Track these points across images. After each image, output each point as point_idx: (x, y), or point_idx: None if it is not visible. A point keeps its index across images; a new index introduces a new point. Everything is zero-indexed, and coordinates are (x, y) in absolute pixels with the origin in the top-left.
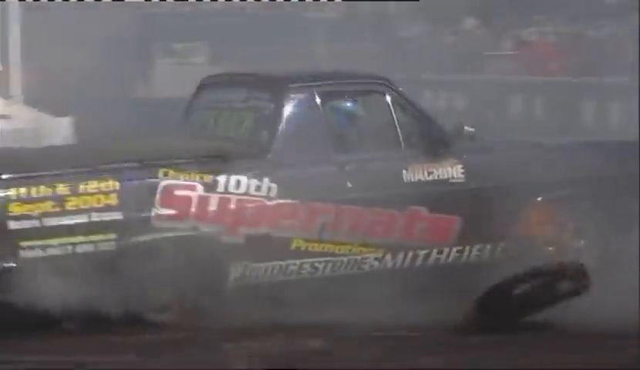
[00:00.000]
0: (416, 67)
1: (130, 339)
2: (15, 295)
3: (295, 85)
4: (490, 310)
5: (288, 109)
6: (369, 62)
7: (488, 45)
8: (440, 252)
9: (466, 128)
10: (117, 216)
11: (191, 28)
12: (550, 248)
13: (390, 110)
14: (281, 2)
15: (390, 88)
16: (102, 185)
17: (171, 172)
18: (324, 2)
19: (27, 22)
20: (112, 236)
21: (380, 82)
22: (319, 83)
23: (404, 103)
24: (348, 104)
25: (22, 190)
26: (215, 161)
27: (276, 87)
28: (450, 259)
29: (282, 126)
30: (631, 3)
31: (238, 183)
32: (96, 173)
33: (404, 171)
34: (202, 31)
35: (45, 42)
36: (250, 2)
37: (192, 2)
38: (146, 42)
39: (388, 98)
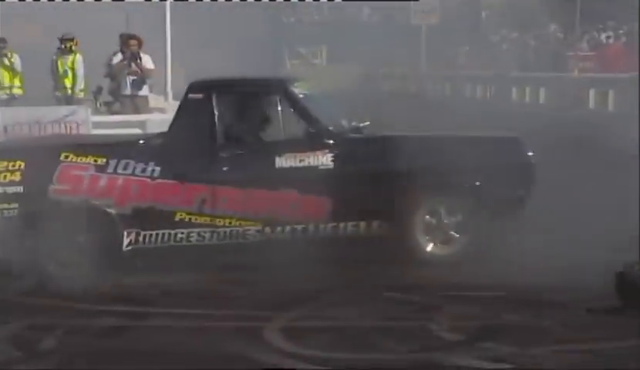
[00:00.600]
0: (504, 66)
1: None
2: None
3: (194, 87)
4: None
5: (184, 106)
6: (464, 63)
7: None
8: (316, 227)
9: (354, 124)
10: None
11: (313, 35)
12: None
13: (276, 108)
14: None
15: (279, 91)
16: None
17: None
18: None
19: (176, 23)
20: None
21: (270, 86)
22: (216, 86)
23: (290, 103)
24: (240, 103)
25: None
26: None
27: (186, 89)
28: (327, 233)
29: (177, 119)
30: None
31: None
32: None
33: (277, 158)
34: (322, 36)
35: (191, 41)
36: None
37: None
38: (278, 46)
39: (276, 99)
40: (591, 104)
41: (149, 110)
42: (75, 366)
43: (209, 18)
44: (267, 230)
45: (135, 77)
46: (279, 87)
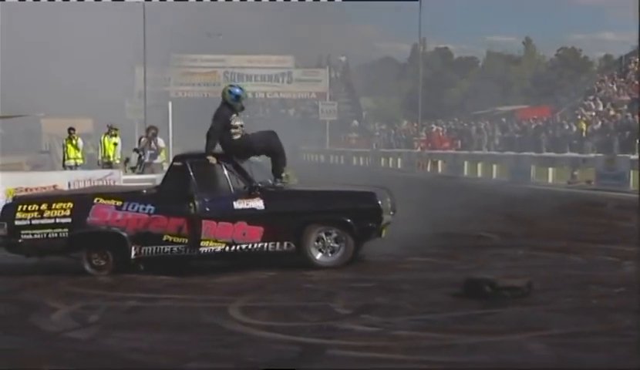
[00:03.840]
0: (377, 146)
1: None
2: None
3: (178, 157)
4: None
5: (170, 170)
6: (353, 143)
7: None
8: (254, 245)
9: (271, 181)
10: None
11: (258, 127)
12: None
13: (224, 171)
14: None
15: (226, 161)
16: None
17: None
18: None
19: (175, 118)
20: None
21: (219, 157)
22: (191, 157)
23: (232, 168)
24: (205, 168)
25: (26, 205)
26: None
27: (172, 159)
28: (259, 248)
29: (166, 179)
30: None
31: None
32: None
33: (234, 202)
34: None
35: (187, 130)
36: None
37: None
38: None
39: (223, 166)
40: (428, 169)
41: (161, 172)
42: (112, 333)
43: (197, 115)
44: (227, 248)
45: (152, 151)
46: (228, 158)
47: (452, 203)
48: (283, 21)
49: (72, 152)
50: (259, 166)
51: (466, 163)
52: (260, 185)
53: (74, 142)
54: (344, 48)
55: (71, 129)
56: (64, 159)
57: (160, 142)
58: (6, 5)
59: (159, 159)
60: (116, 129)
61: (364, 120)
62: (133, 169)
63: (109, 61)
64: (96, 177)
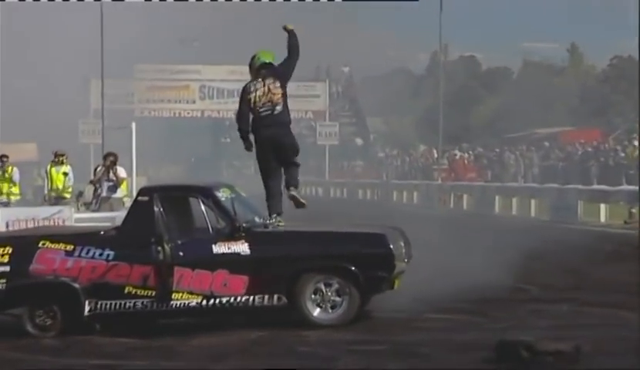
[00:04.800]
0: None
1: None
2: None
3: (143, 190)
4: None
5: (133, 207)
6: (358, 173)
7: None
8: (237, 298)
9: (260, 220)
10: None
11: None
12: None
13: (200, 207)
14: None
15: (205, 195)
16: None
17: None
18: None
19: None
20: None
21: (197, 191)
22: (160, 190)
23: (211, 205)
24: (176, 204)
25: None
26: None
27: (136, 193)
28: (244, 302)
29: (129, 218)
30: None
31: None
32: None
33: (214, 246)
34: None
35: (153, 156)
36: None
37: None
38: (218, 159)
39: (203, 200)
40: (451, 204)
41: (122, 209)
42: None
43: (167, 139)
44: (204, 301)
45: (111, 183)
46: (206, 192)
47: (480, 246)
48: (271, 24)
49: (4, 186)
50: (243, 201)
51: (497, 198)
52: (245, 225)
53: (7, 174)
54: (347, 56)
55: (3, 157)
56: None
57: (121, 172)
58: None
59: (119, 193)
60: (62, 155)
61: (371, 145)
62: (88, 205)
63: (57, 71)
64: (42, 216)
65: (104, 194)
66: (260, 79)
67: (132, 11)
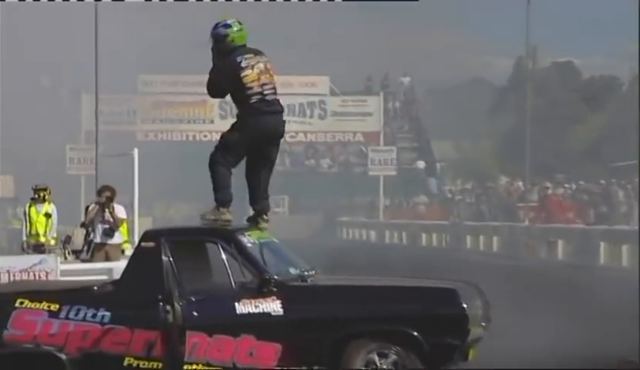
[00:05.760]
0: (459, 215)
1: None
2: None
3: (148, 233)
4: None
5: (137, 254)
6: (421, 212)
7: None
8: None
9: (296, 271)
10: None
11: (276, 184)
12: None
13: (226, 257)
14: None
15: (228, 240)
16: None
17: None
18: None
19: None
20: None
21: (219, 235)
22: (169, 234)
23: (238, 251)
24: (192, 251)
25: None
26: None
27: (139, 238)
28: None
29: (129, 269)
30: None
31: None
32: None
33: (237, 304)
34: (285, 186)
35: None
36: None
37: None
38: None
39: (225, 247)
40: (542, 253)
41: (121, 258)
42: None
43: (178, 169)
44: None
45: (107, 226)
46: (228, 236)
47: (580, 308)
48: (312, 23)
49: None
50: (275, 248)
51: (602, 245)
52: (276, 278)
53: None
54: (407, 63)
55: None
56: None
57: (119, 211)
58: None
59: (117, 238)
60: (44, 191)
61: (439, 176)
62: (77, 253)
63: (39, 83)
64: (19, 267)
65: (98, 239)
66: (252, 54)
67: (134, 10)
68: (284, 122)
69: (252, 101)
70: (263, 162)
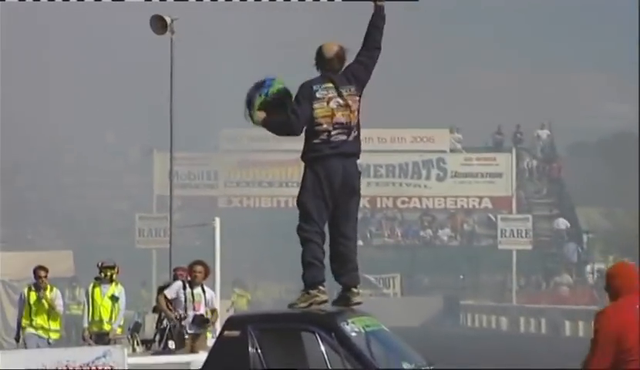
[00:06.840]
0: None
1: None
2: None
3: (232, 320)
4: None
5: (218, 347)
6: (564, 293)
7: None
8: None
9: (413, 366)
10: None
11: (385, 259)
12: None
13: (324, 348)
14: None
15: (329, 328)
16: None
17: None
18: None
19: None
20: None
21: (319, 323)
22: (257, 322)
23: (339, 343)
24: (282, 344)
25: None
26: None
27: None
28: None
29: (210, 363)
30: None
31: None
32: None
33: None
34: (396, 262)
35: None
36: None
37: None
38: None
39: (325, 337)
40: None
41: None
42: None
43: (267, 241)
44: None
45: (198, 312)
46: (328, 324)
47: None
48: (428, 64)
49: (40, 317)
50: (384, 338)
51: None
52: None
53: (45, 300)
54: (545, 113)
55: (40, 271)
56: (20, 327)
57: (211, 296)
58: None
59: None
60: (112, 269)
61: (585, 251)
62: (148, 343)
63: (104, 139)
64: (80, 361)
65: (191, 331)
66: (330, 84)
67: (218, 46)
68: (357, 168)
69: (315, 141)
70: (343, 220)
